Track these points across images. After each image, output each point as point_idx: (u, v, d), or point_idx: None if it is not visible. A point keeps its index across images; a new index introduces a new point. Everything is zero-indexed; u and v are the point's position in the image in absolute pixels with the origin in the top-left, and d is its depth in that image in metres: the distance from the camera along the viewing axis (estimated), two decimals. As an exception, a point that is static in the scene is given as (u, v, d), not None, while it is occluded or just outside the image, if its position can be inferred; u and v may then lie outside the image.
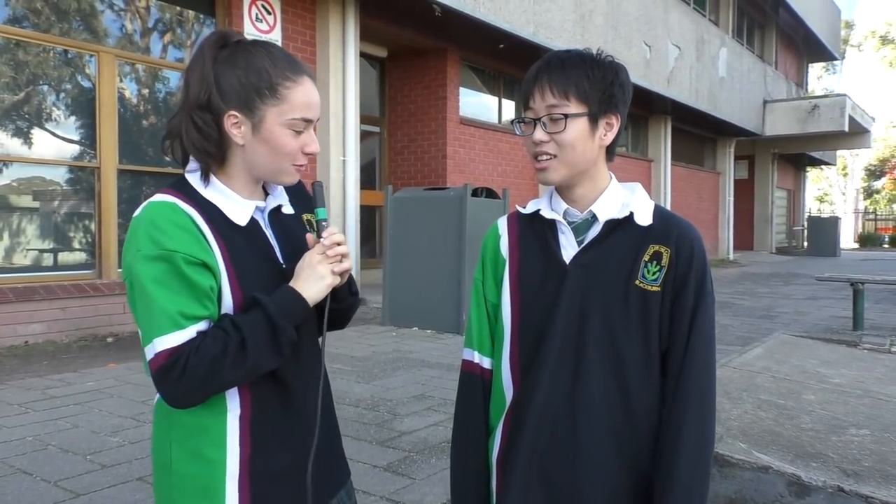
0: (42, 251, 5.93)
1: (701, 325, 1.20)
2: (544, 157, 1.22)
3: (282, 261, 1.20)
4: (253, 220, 1.19)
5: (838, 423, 2.86)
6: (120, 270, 6.08)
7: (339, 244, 1.16)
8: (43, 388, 4.22)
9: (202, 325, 1.09)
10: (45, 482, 2.81)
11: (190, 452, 1.14)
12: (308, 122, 1.17)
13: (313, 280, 1.14)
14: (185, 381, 1.06)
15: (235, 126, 1.14)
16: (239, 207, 1.17)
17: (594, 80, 1.19)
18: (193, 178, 1.18)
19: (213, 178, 1.17)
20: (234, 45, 1.19)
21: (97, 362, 4.94)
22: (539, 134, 1.21)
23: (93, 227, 6.09)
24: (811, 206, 35.16)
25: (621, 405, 1.20)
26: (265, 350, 1.09)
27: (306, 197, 1.31)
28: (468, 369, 1.35)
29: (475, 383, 1.33)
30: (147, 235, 1.08)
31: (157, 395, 1.18)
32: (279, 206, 1.25)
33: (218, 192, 1.17)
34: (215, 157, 1.17)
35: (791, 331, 6.54)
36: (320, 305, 1.18)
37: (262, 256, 1.18)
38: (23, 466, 2.97)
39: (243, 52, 1.17)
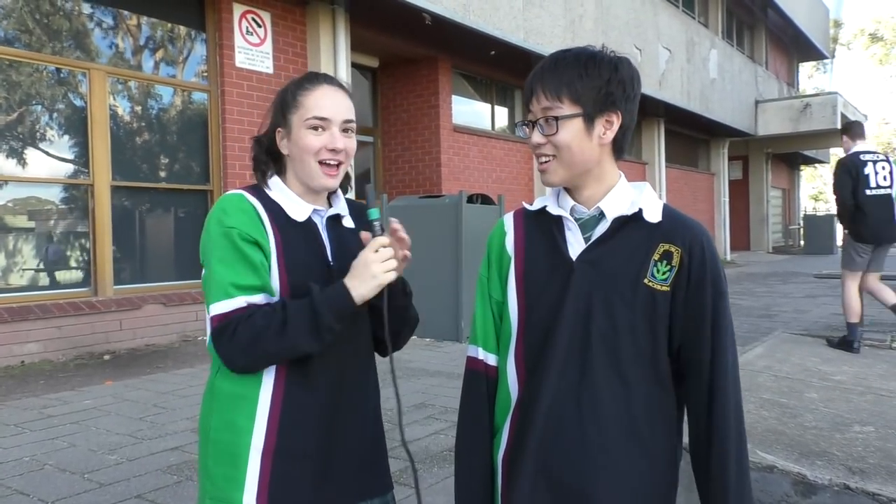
0: (37, 270, 5.90)
1: (723, 325, 1.20)
2: (544, 158, 1.22)
3: (331, 260, 1.34)
4: (311, 221, 1.36)
5: (842, 420, 2.85)
6: (115, 287, 6.10)
7: (385, 246, 1.26)
8: (40, 408, 4.18)
9: (255, 298, 1.25)
10: (43, 502, 2.78)
11: (225, 421, 1.28)
12: (323, 119, 1.32)
13: (366, 277, 1.24)
14: (233, 344, 1.22)
15: (281, 139, 1.37)
16: (297, 206, 1.35)
17: (588, 79, 1.18)
18: (264, 185, 1.39)
19: (279, 182, 1.37)
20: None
21: (94, 380, 4.90)
22: (536, 137, 1.22)
23: (87, 244, 6.07)
24: (806, 205, 35.24)
25: (627, 404, 1.19)
26: (304, 332, 1.21)
27: (362, 219, 1.43)
28: (473, 367, 1.34)
29: (480, 380, 1.32)
30: (216, 218, 1.29)
31: (210, 372, 1.36)
32: (339, 217, 1.41)
33: (281, 193, 1.36)
34: (273, 168, 1.39)
35: (791, 329, 6.53)
36: (378, 308, 1.29)
37: (312, 251, 1.33)
38: (20, 487, 2.94)
39: (284, 86, 1.40)
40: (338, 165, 1.34)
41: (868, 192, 5.40)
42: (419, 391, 4.52)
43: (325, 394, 1.30)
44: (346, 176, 1.41)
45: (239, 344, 1.21)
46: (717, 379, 1.18)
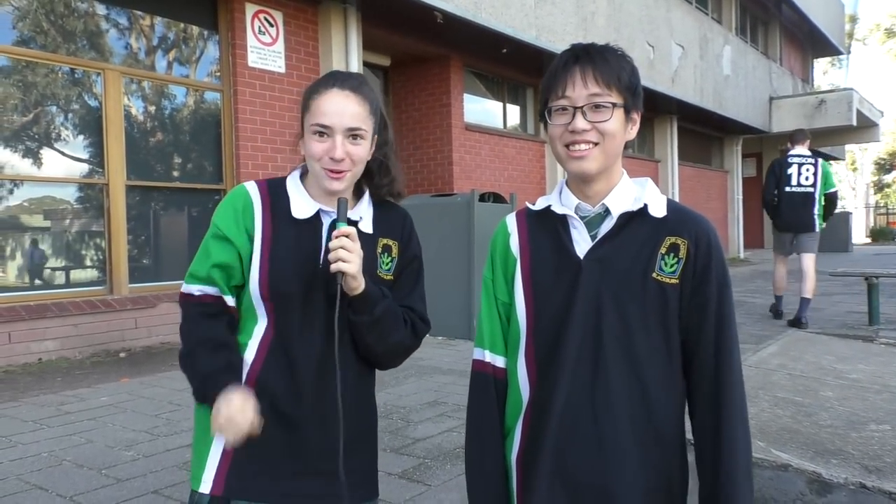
0: (54, 269, 5.97)
1: (728, 316, 1.20)
2: (584, 145, 1.19)
3: (322, 261, 1.36)
4: (317, 220, 1.38)
5: (857, 418, 2.82)
6: (130, 286, 6.16)
7: (342, 238, 1.27)
8: (57, 405, 4.23)
9: (206, 288, 1.38)
10: (61, 497, 2.82)
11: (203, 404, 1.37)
12: (325, 127, 1.32)
13: (220, 420, 1.32)
14: (182, 323, 1.41)
15: (298, 139, 1.41)
16: (303, 203, 1.38)
17: (628, 73, 1.20)
18: (290, 175, 1.44)
19: (296, 176, 1.43)
20: None
21: (110, 377, 4.95)
22: (581, 122, 1.18)
23: (103, 243, 6.13)
24: (821, 202, 34.81)
25: (642, 401, 1.19)
26: (188, 371, 1.38)
27: (396, 227, 1.48)
28: (480, 369, 1.33)
29: (487, 383, 1.31)
30: (220, 205, 1.41)
31: None
32: (355, 222, 1.40)
33: (295, 188, 1.40)
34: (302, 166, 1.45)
35: (805, 327, 6.47)
36: (356, 324, 1.35)
37: (302, 249, 1.36)
38: (38, 482, 2.98)
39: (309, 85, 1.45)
40: (342, 171, 1.33)
41: (787, 188, 6.62)
42: (432, 389, 4.53)
43: (288, 383, 1.35)
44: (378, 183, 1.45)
45: (180, 331, 1.40)
46: (723, 372, 1.18)
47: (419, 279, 1.51)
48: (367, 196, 1.44)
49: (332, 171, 1.32)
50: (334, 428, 1.30)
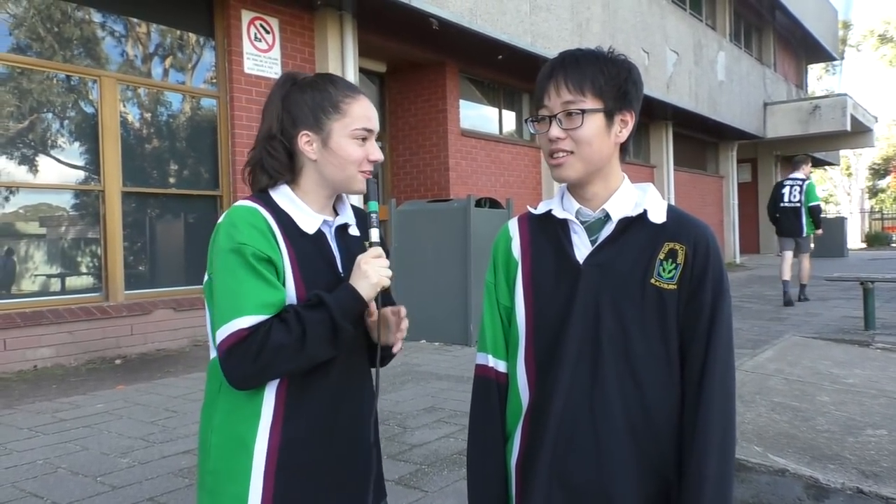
0: (49, 276, 5.95)
1: (720, 323, 1.19)
2: (560, 154, 1.20)
3: (341, 271, 1.33)
4: (321, 232, 1.33)
5: (854, 423, 2.83)
6: (126, 293, 6.14)
7: (377, 257, 1.29)
8: (52, 412, 4.21)
9: (268, 314, 1.21)
10: (56, 506, 2.80)
11: (226, 438, 1.26)
12: (369, 131, 1.32)
13: (364, 280, 1.26)
14: (246, 363, 1.18)
15: (308, 144, 1.31)
16: (308, 218, 1.32)
17: (609, 76, 1.19)
18: (274, 192, 1.33)
19: (288, 192, 1.33)
20: (301, 80, 1.36)
21: (106, 384, 4.93)
22: (555, 131, 1.19)
23: (98, 250, 6.11)
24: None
25: (641, 407, 1.18)
26: (323, 343, 1.22)
27: (365, 226, 1.44)
28: (482, 374, 1.33)
29: (490, 388, 1.31)
30: (226, 233, 1.24)
31: (208, 389, 1.33)
32: (346, 226, 1.39)
33: (291, 203, 1.32)
34: (287, 176, 1.34)
35: (802, 332, 6.48)
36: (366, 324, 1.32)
37: (324, 262, 1.32)
38: (33, 490, 2.96)
39: (310, 82, 1.35)
40: (370, 172, 1.36)
41: (782, 204, 9.25)
42: (428, 395, 4.52)
43: (326, 405, 1.30)
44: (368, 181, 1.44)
45: (255, 363, 1.18)
46: (706, 379, 1.17)
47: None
48: (347, 200, 1.44)
49: (367, 172, 1.34)
50: (367, 430, 1.37)
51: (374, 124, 1.35)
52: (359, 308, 1.26)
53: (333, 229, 1.37)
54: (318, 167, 1.32)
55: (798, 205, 9.10)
